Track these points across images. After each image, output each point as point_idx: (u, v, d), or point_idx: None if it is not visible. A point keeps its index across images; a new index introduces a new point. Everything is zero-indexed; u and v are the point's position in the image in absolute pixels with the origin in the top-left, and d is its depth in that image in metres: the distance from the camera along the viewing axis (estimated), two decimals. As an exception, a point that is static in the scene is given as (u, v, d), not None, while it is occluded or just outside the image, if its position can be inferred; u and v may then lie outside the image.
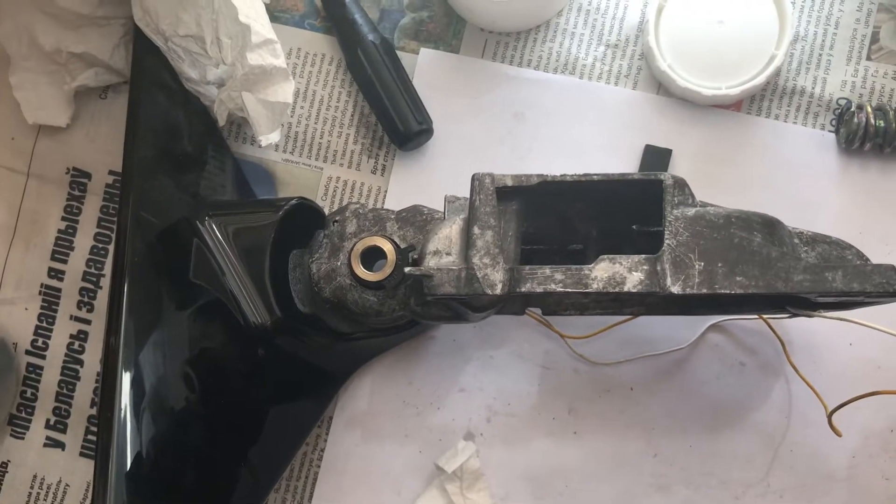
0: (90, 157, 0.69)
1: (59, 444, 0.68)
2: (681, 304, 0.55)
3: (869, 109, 0.61)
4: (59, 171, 0.69)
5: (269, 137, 0.59)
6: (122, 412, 0.50)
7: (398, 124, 0.63)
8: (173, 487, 0.53)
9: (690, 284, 0.46)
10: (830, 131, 0.63)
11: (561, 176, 0.50)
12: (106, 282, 0.67)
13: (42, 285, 0.68)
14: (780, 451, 0.62)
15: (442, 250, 0.50)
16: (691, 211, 0.48)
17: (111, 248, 0.67)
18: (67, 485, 0.67)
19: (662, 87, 0.64)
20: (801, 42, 0.63)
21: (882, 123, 0.60)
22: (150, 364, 0.54)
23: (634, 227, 0.53)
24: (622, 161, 0.64)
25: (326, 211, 0.65)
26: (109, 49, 0.66)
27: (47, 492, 0.67)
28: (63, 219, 0.68)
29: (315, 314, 0.58)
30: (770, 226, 0.48)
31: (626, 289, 0.46)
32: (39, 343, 0.68)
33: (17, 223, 0.69)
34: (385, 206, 0.65)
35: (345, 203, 0.65)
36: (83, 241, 0.68)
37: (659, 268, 0.46)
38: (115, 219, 0.65)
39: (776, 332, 0.61)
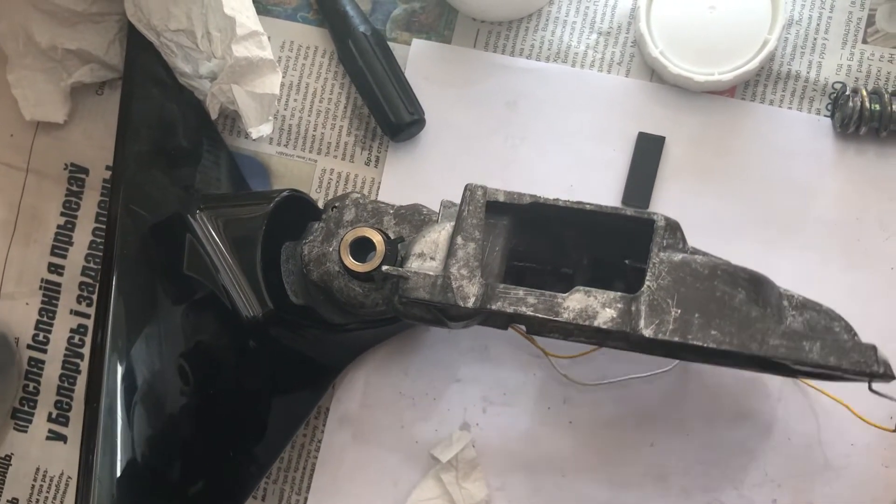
0: (88, 152, 0.69)
1: (62, 437, 0.68)
2: (663, 347, 0.53)
3: (864, 93, 0.60)
4: (58, 167, 0.69)
5: (260, 130, 0.60)
6: (110, 403, 0.50)
7: (390, 115, 0.63)
8: (164, 477, 0.53)
9: (663, 330, 0.45)
10: (826, 116, 0.62)
11: (554, 200, 0.49)
12: (104, 276, 0.68)
13: (42, 280, 0.69)
14: (777, 441, 0.62)
15: (427, 254, 0.50)
16: (678, 256, 0.47)
17: (107, 242, 0.68)
18: (70, 477, 0.68)
19: (655, 73, 0.64)
20: (796, 26, 0.63)
21: (878, 107, 0.60)
22: (144, 356, 0.54)
23: (627, 261, 0.52)
24: (616, 149, 0.64)
25: (320, 203, 0.66)
26: (104, 45, 0.66)
27: (50, 484, 0.68)
28: (62, 214, 0.69)
29: (308, 305, 0.58)
30: (757, 283, 0.47)
31: (596, 324, 0.46)
32: (41, 337, 0.69)
33: (17, 219, 0.69)
34: (379, 198, 0.65)
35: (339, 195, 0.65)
36: (82, 237, 0.69)
37: (634, 308, 0.46)
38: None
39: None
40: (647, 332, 0.45)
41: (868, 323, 0.61)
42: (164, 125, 0.64)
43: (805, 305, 0.50)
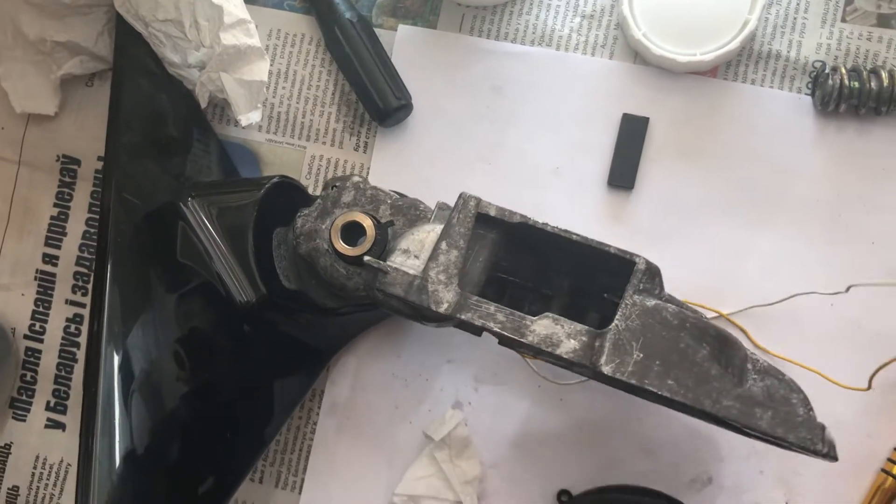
0: (79, 144, 0.70)
1: (60, 425, 0.69)
2: (623, 384, 0.52)
3: (843, 71, 0.61)
4: (50, 158, 0.70)
5: (249, 117, 0.60)
6: (108, 388, 0.51)
7: (377, 101, 0.64)
8: (163, 458, 0.54)
9: (622, 371, 0.46)
10: (807, 94, 0.63)
11: (543, 224, 0.50)
12: (98, 265, 0.69)
13: (37, 271, 0.70)
14: (763, 413, 0.63)
15: (412, 251, 0.51)
16: (651, 302, 0.48)
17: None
18: (69, 464, 0.69)
19: (639, 55, 0.65)
20: (776, 6, 0.64)
21: (857, 84, 0.61)
22: (139, 343, 0.55)
23: (605, 295, 0.53)
24: (601, 130, 0.65)
25: (311, 189, 0.66)
26: (93, 37, 0.67)
27: (50, 471, 0.69)
28: (55, 205, 0.70)
29: (300, 290, 0.59)
30: (723, 343, 0.48)
31: (557, 352, 0.47)
32: (37, 327, 0.70)
33: (10, 211, 0.70)
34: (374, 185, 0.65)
35: (342, 175, 0.66)
36: (75, 227, 0.70)
37: (598, 344, 0.46)
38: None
39: (738, 325, 0.63)
40: (606, 370, 0.46)
41: (850, 298, 0.63)
42: (154, 115, 0.64)
43: (768, 372, 0.50)
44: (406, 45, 0.67)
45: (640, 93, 0.64)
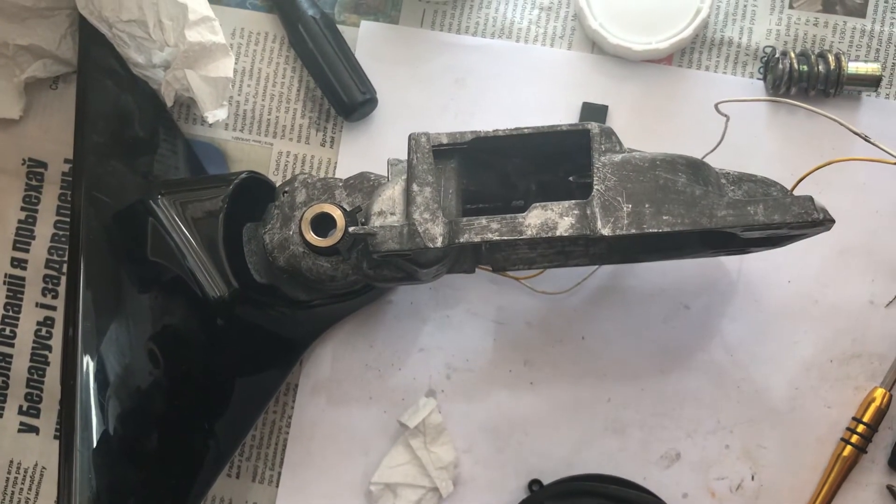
0: (45, 147, 0.70)
1: (33, 429, 0.69)
2: (621, 250, 0.57)
3: (792, 55, 0.63)
4: (16, 162, 0.70)
5: (216, 114, 0.61)
6: (85, 386, 0.51)
7: (343, 96, 0.65)
8: (139, 457, 0.55)
9: (620, 226, 0.48)
10: (758, 79, 0.66)
11: (494, 131, 0.52)
12: (68, 267, 0.69)
13: (6, 275, 0.70)
14: (727, 389, 0.65)
15: (386, 210, 0.52)
16: (618, 157, 0.50)
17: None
18: (44, 467, 0.69)
19: (596, 45, 0.67)
20: (726, -6, 0.66)
21: (805, 68, 0.63)
22: (114, 340, 0.55)
23: (571, 178, 0.55)
24: (562, 120, 0.66)
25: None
26: (56, 40, 0.67)
27: (24, 475, 0.69)
28: (22, 209, 0.70)
29: (272, 284, 0.60)
30: (694, 167, 0.50)
31: (558, 233, 0.48)
32: (7, 332, 0.70)
33: (-24, 216, 0.70)
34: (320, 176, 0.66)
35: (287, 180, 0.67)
36: (44, 230, 0.70)
37: (589, 212, 0.48)
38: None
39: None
40: (606, 231, 0.48)
41: (805, 270, 0.65)
42: (120, 116, 0.64)
43: (741, 178, 0.53)
44: (369, 41, 0.68)
45: (598, 81, 0.66)
